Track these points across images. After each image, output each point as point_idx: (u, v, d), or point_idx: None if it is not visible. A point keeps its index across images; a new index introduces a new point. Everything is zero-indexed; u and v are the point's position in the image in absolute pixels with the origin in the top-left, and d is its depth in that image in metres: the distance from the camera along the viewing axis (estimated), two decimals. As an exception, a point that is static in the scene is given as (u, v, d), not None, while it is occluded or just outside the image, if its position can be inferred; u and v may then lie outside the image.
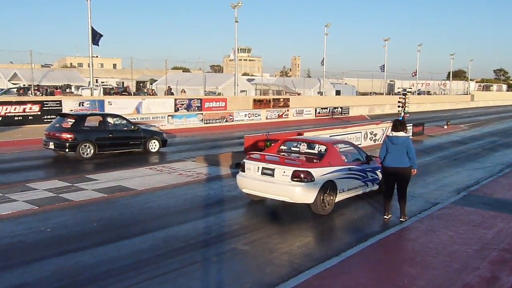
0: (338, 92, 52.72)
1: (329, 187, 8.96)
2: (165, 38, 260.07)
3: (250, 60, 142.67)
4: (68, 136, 14.88)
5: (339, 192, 9.27)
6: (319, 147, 9.90)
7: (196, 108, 30.25)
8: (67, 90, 40.61)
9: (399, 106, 24.89)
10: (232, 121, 30.85)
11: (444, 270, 6.39)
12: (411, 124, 24.31)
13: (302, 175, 8.58)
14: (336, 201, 9.27)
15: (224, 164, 14.31)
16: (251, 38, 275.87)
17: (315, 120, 35.52)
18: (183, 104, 29.82)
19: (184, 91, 34.87)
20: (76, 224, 8.39)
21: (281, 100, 37.56)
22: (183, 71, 64.43)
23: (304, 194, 8.64)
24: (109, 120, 16.20)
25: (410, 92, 27.35)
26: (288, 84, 50.93)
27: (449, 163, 16.51)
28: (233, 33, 35.24)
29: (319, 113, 38.52)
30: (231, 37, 54.40)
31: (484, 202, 10.23)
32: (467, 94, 79.38)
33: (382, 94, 59.67)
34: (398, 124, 8.77)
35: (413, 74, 65.93)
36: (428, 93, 77.21)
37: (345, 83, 59.11)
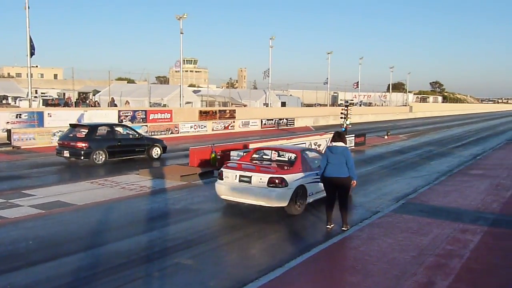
0: (283, 104, 53.46)
1: (300, 191, 9.90)
2: (110, 48, 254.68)
3: (196, 71, 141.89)
4: (83, 144, 16.55)
5: (309, 195, 10.21)
6: (289, 155, 11.05)
7: (141, 120, 29.78)
8: (4, 102, 39.08)
9: (342, 117, 25.60)
10: (178, 132, 30.47)
11: (384, 277, 6.55)
12: (353, 135, 25.04)
13: (277, 181, 9.47)
14: (306, 203, 10.18)
15: (169, 177, 14.07)
16: (197, 49, 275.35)
17: (261, 131, 35.77)
18: (127, 116, 29.24)
19: (128, 103, 34.13)
20: (10, 242, 7.99)
21: (227, 111, 37.57)
22: (127, 82, 63.14)
23: (279, 199, 9.51)
24: (117, 129, 18.13)
25: (352, 103, 28.19)
26: (234, 96, 51.10)
27: (389, 172, 17.04)
28: (179, 44, 35.42)
29: (265, 124, 38.82)
30: (177, 48, 53.77)
31: (421, 209, 10.62)
32: (406, 105, 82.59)
33: (326, 105, 61.20)
34: (337, 136, 9.08)
35: (355, 85, 68.22)
36: (370, 104, 79.79)
37: (291, 95, 60.02)
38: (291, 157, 10.94)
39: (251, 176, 9.67)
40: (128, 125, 20.09)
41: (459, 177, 15.42)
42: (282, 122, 41.11)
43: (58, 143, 17.64)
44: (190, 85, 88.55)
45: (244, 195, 9.76)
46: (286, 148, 11.70)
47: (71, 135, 17.20)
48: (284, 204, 9.63)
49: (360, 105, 71.53)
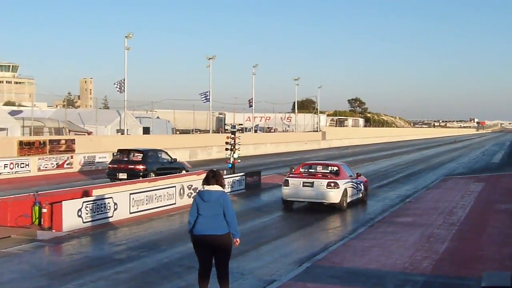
0: (146, 130, 53.19)
1: (346, 192, 19.66)
2: None
3: (17, 82, 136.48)
4: (141, 167, 26.66)
5: (349, 196, 20.08)
6: (331, 168, 21.18)
7: None
8: None
9: (227, 149, 25.83)
10: (-16, 175, 29.58)
11: None
12: (243, 173, 25.21)
13: (332, 184, 19.22)
14: (347, 202, 20.00)
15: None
16: (19, 52, 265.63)
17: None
18: None
19: None
20: None
21: (63, 142, 36.56)
22: None
23: (335, 196, 19.09)
24: (159, 154, 28.68)
25: (243, 129, 28.81)
26: (74, 119, 49.58)
27: (292, 224, 17.61)
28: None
29: (119, 160, 38.28)
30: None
31: (332, 274, 10.96)
32: (317, 130, 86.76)
33: (209, 131, 61.57)
34: (211, 176, 9.08)
35: (248, 103, 69.51)
36: (270, 130, 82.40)
37: (157, 117, 59.80)
38: (333, 169, 21.02)
39: (313, 182, 19.48)
40: (165, 150, 29.96)
41: (382, 228, 16.24)
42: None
43: (109, 167, 27.82)
44: (7, 103, 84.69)
45: (307, 195, 19.62)
46: (328, 162, 22.88)
47: (126, 159, 27.48)
48: (337, 201, 19.21)
49: (256, 131, 73.38)
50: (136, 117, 55.01)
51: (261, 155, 52.80)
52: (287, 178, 20.38)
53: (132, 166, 26.73)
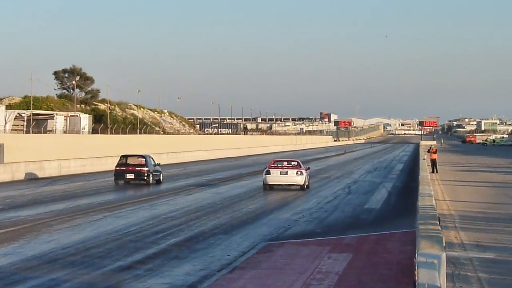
0: None
1: (306, 176, 35.12)
2: None
3: None
4: (146, 169, 35.22)
5: (307, 181, 35.18)
6: (294, 162, 35.01)
7: None
8: None
9: None
10: None
11: None
12: None
13: (299, 172, 33.80)
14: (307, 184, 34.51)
15: None
16: None
17: None
18: None
19: None
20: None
21: None
22: None
23: (301, 180, 33.53)
24: (153, 158, 37.38)
25: None
26: None
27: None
28: None
29: None
30: None
31: None
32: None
33: None
34: None
35: None
36: None
37: None
38: (295, 163, 34.36)
39: (287, 171, 33.26)
40: (151, 155, 38.43)
41: None
42: None
43: (116, 169, 35.74)
44: None
45: (283, 180, 33.17)
46: (290, 159, 38.61)
47: (131, 162, 35.72)
48: (302, 183, 33.18)
49: None
50: None
51: None
52: (269, 169, 33.00)
53: (139, 169, 35.04)
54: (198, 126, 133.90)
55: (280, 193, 32.91)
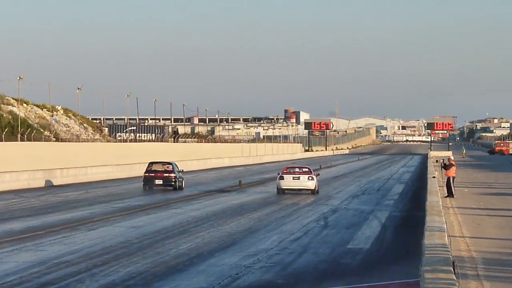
0: None
1: (317, 182, 60.23)
2: None
3: None
4: (173, 175, 57.74)
5: (318, 186, 61.31)
6: (305, 168, 64.78)
7: None
8: None
9: None
10: None
11: None
12: None
13: (311, 177, 63.31)
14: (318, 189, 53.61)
15: None
16: None
17: None
18: None
19: None
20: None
21: None
22: None
23: (312, 185, 61.22)
24: (176, 165, 59.28)
25: None
26: None
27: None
28: None
29: None
30: None
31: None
32: None
33: None
34: None
35: None
36: None
37: None
38: (306, 169, 61.00)
39: (299, 176, 58.36)
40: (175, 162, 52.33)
41: None
42: None
43: (145, 176, 55.23)
44: None
45: (296, 185, 58.64)
46: (302, 165, 69.20)
47: (160, 169, 55.63)
48: (313, 187, 56.54)
49: None
50: None
51: None
52: (282, 175, 50.22)
53: (167, 175, 54.99)
54: (106, 129, 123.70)
55: (225, 227, 29.82)
